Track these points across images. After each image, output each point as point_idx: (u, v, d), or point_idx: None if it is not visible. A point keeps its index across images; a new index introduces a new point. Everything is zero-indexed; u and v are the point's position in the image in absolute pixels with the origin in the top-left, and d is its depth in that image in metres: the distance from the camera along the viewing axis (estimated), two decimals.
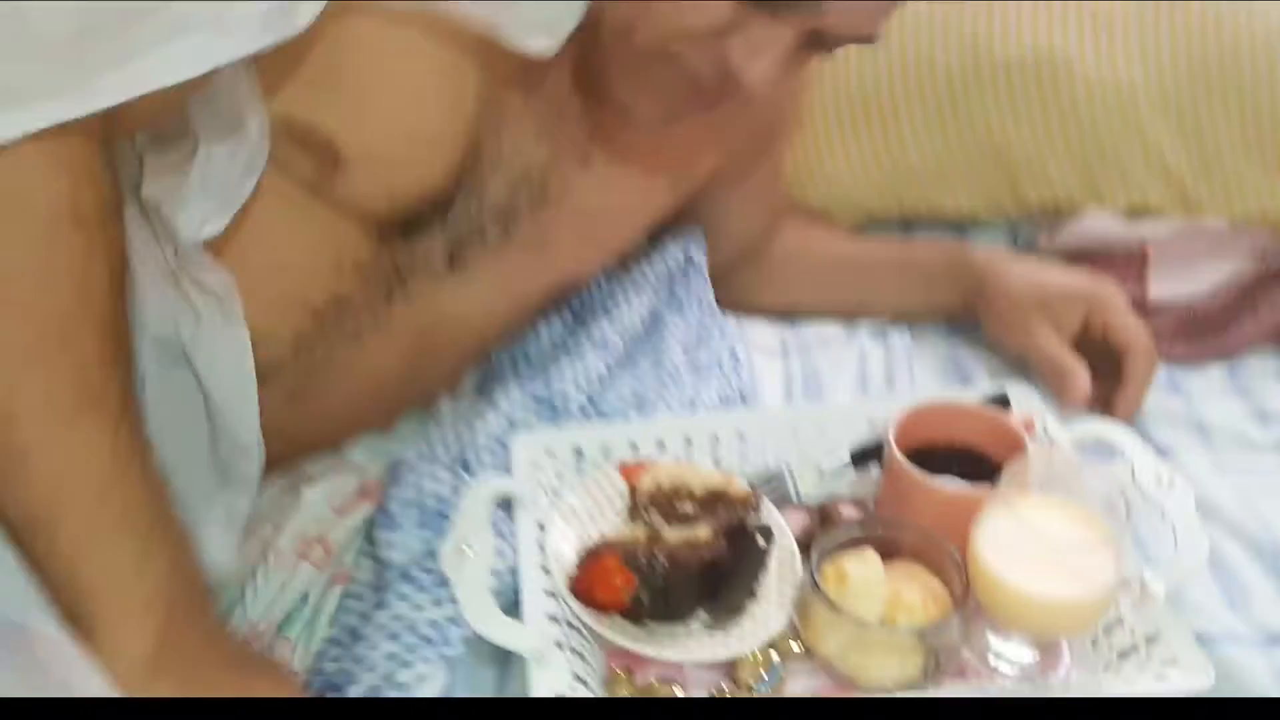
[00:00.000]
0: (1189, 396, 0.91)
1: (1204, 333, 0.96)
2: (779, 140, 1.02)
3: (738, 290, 1.01)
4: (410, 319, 0.82)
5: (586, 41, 0.73)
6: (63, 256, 0.58)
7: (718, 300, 0.97)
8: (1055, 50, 1.02)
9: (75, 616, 0.57)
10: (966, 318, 0.97)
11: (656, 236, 0.97)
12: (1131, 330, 0.88)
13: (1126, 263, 1.00)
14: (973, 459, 0.77)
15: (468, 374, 0.91)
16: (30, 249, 0.57)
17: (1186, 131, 1.02)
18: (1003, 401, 0.83)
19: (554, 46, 0.70)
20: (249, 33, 0.58)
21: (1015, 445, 0.73)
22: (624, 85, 0.75)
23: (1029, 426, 0.79)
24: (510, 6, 0.68)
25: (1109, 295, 0.90)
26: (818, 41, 0.72)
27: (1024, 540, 0.66)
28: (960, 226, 1.09)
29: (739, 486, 0.73)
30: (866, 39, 0.74)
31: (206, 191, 0.68)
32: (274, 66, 0.67)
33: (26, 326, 0.57)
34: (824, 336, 0.99)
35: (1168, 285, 0.99)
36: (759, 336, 0.98)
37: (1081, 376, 0.87)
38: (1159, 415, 0.89)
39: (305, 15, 0.60)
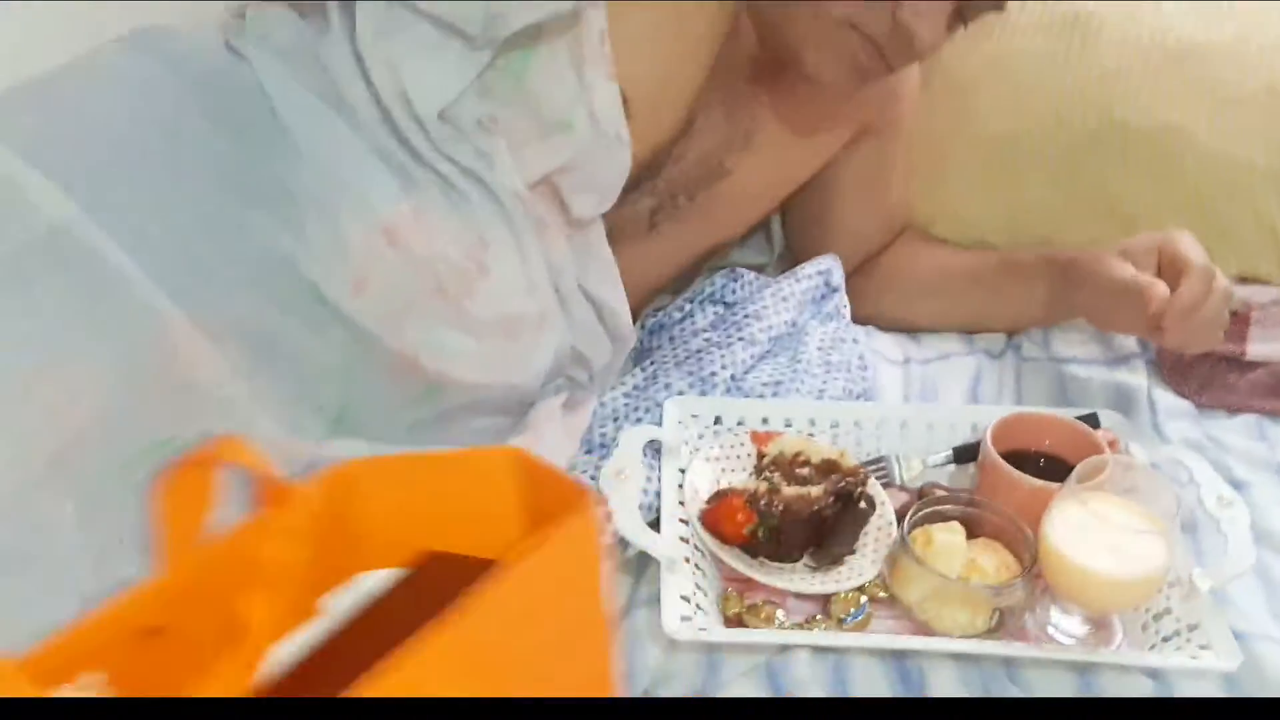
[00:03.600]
0: (1273, 444, 1.00)
1: None
2: (891, 145, 1.16)
3: (868, 301, 1.14)
4: None
5: (774, 26, 0.92)
6: None
7: (852, 315, 1.11)
8: (1178, 121, 1.13)
9: None
10: (1069, 312, 1.06)
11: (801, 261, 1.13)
12: (1192, 256, 0.94)
13: (1230, 322, 1.09)
14: (1058, 464, 0.89)
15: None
16: None
17: None
18: (1093, 421, 0.95)
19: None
20: None
21: (1094, 454, 0.85)
22: (816, 56, 0.93)
23: (1113, 443, 0.91)
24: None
25: (1173, 233, 0.97)
26: (963, 13, 0.91)
27: (1087, 527, 0.78)
28: None
29: (850, 460, 0.87)
30: (998, 6, 0.93)
31: None
32: None
33: None
34: (943, 350, 1.11)
35: (1267, 346, 1.08)
36: (885, 347, 1.11)
37: (1159, 287, 0.92)
38: (1242, 455, 0.98)
39: None
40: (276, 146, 0.79)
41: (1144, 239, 0.99)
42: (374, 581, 0.50)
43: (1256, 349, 1.08)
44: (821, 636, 0.78)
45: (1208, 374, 1.06)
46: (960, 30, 0.94)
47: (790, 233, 1.25)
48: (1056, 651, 0.79)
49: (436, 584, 0.48)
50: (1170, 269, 0.95)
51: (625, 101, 0.88)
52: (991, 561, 0.82)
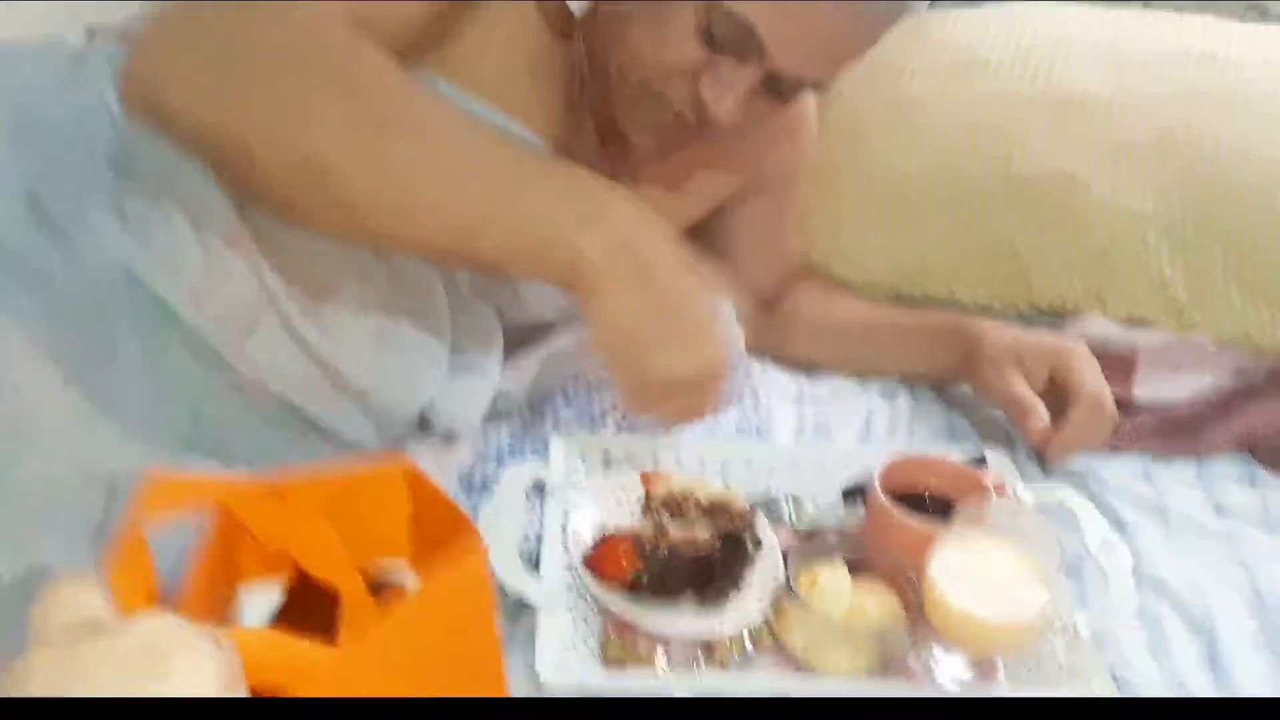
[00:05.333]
0: (1157, 485, 1.02)
1: (1179, 433, 1.07)
2: (785, 193, 1.16)
3: (761, 342, 1.14)
4: None
5: (599, 89, 0.89)
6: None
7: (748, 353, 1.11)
8: (1073, 172, 1.15)
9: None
10: (959, 378, 1.09)
11: None
12: (1083, 383, 0.98)
13: (1118, 364, 1.11)
14: (945, 505, 0.88)
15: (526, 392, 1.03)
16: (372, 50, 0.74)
17: (1187, 255, 1.13)
18: (981, 461, 0.95)
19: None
20: None
21: (979, 495, 0.85)
22: (624, 118, 0.92)
23: (999, 486, 0.91)
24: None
25: (1071, 352, 1.00)
26: (779, 84, 0.87)
27: (970, 569, 0.77)
28: (975, 317, 1.21)
29: (739, 502, 0.86)
30: (816, 84, 0.90)
31: None
32: None
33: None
34: (837, 390, 1.11)
35: (1152, 388, 1.10)
36: (780, 383, 1.11)
37: (1040, 412, 0.98)
38: (1127, 496, 0.99)
39: None
40: (116, 152, 0.76)
41: (1042, 348, 1.02)
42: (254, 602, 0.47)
43: (1142, 391, 1.10)
44: (702, 682, 0.76)
45: None
46: (779, 104, 0.91)
47: None
48: (936, 693, 0.78)
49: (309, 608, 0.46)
50: (1061, 387, 1.00)
51: None
52: (875, 603, 0.81)
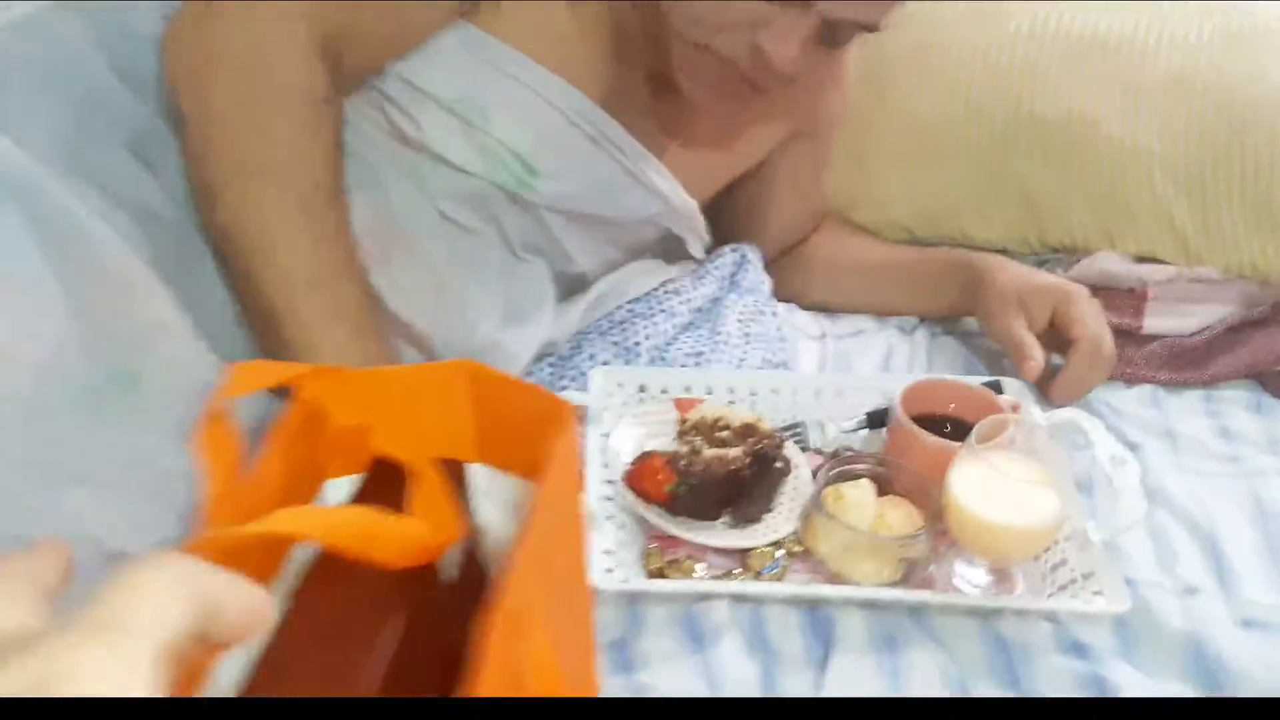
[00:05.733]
0: (1165, 411, 1.06)
1: (1188, 363, 1.11)
2: (825, 141, 1.21)
3: (785, 283, 1.19)
4: None
5: (658, 44, 0.93)
6: (320, 132, 0.79)
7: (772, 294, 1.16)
8: (1085, 113, 1.19)
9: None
10: (968, 313, 1.13)
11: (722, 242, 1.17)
12: (1084, 324, 1.02)
13: (1128, 298, 1.16)
14: (963, 427, 0.93)
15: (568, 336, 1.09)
16: (292, 127, 0.78)
17: (1193, 193, 1.17)
18: (996, 387, 1.00)
19: None
20: None
21: (996, 415, 0.90)
22: (684, 75, 0.95)
23: (1015, 408, 0.96)
24: None
25: (1072, 292, 1.04)
26: (834, 31, 0.91)
27: (988, 482, 0.82)
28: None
29: (767, 425, 0.91)
30: (871, 27, 0.93)
31: None
32: None
33: (286, 192, 0.78)
34: (857, 327, 1.16)
35: (1162, 321, 1.14)
36: (803, 323, 1.16)
37: (1036, 355, 1.02)
38: (1136, 421, 1.04)
39: None
40: None
41: (1044, 289, 1.05)
42: (336, 493, 0.52)
43: (1152, 323, 1.15)
44: (739, 586, 0.82)
45: None
46: (833, 51, 0.95)
47: (716, 223, 1.28)
48: (959, 598, 0.83)
49: (388, 490, 0.51)
50: (1062, 329, 1.03)
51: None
52: (898, 516, 0.86)
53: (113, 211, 0.75)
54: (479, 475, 0.55)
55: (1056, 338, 1.04)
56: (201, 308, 0.76)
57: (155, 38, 0.87)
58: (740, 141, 1.12)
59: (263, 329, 0.82)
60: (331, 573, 0.47)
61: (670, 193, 1.06)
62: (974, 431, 0.84)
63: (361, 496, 0.53)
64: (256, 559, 0.45)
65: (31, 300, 0.65)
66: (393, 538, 0.44)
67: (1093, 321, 1.03)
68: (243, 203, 0.81)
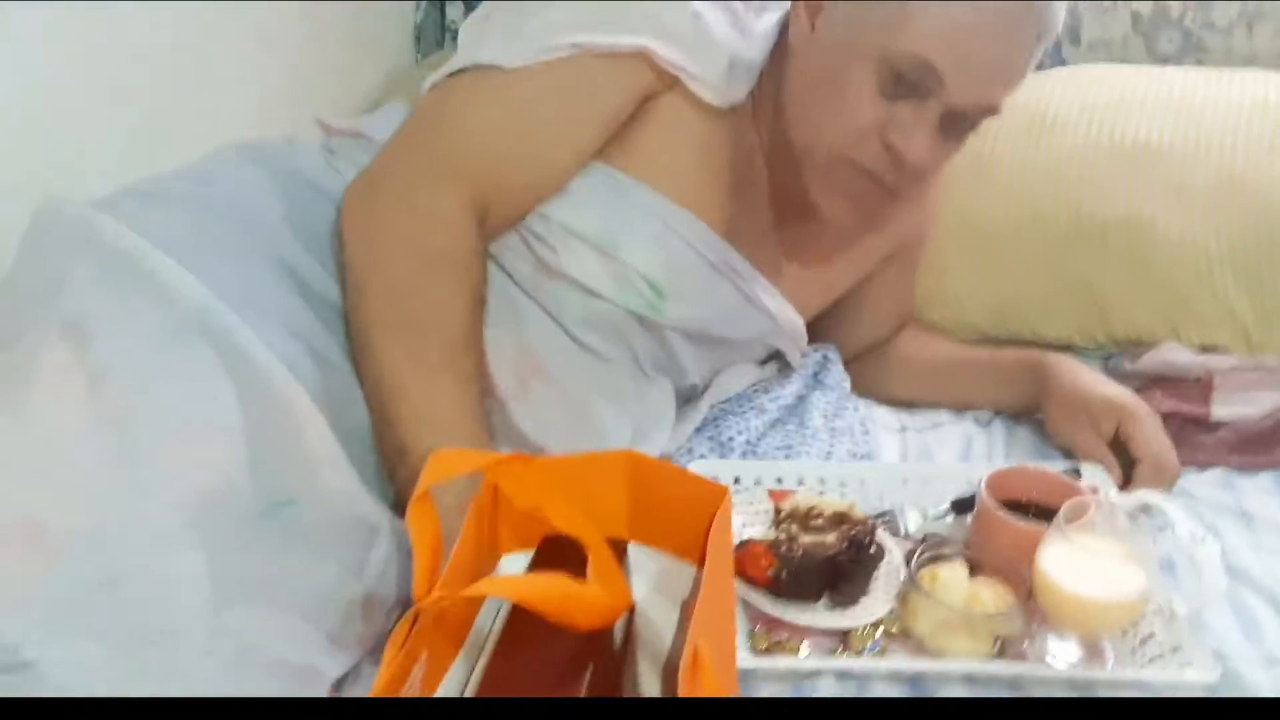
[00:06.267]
0: (1238, 493, 1.11)
1: (1256, 447, 1.16)
2: (919, 251, 1.28)
3: (866, 380, 1.25)
4: None
5: (784, 169, 1.01)
6: (465, 285, 0.89)
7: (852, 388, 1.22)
8: (1143, 212, 1.26)
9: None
10: (1037, 409, 1.18)
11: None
12: (1147, 444, 1.06)
13: (1195, 387, 1.21)
14: (1046, 511, 0.98)
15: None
16: (440, 286, 0.88)
17: (1251, 286, 1.24)
18: (1075, 474, 1.05)
19: (722, 104, 1.01)
20: None
21: (1079, 498, 0.95)
22: (819, 192, 1.02)
23: (1095, 491, 1.01)
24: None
25: (1132, 414, 1.08)
26: (955, 121, 0.98)
27: (1076, 559, 0.87)
28: (1058, 351, 1.31)
29: (859, 512, 0.97)
30: (990, 111, 1.00)
31: None
32: None
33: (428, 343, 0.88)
34: (936, 420, 1.22)
35: (1229, 407, 1.19)
36: (883, 417, 1.22)
37: (1113, 468, 1.06)
38: (1210, 502, 1.09)
39: None
40: None
41: (1104, 405, 1.09)
42: (511, 566, 0.58)
43: (1219, 411, 1.20)
44: (844, 662, 0.87)
45: (1177, 434, 1.16)
46: (968, 138, 1.02)
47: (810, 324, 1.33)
48: (1054, 672, 0.87)
49: (556, 565, 0.57)
50: (1125, 443, 1.08)
51: None
52: (990, 595, 0.91)
53: (284, 344, 0.83)
54: (634, 553, 0.62)
55: (1119, 450, 1.09)
56: (354, 443, 0.83)
57: (320, 182, 0.98)
58: (852, 259, 1.19)
59: (393, 466, 0.88)
60: (521, 637, 0.53)
61: (780, 313, 1.14)
62: (1061, 512, 0.89)
63: (533, 570, 0.60)
64: (456, 621, 0.51)
65: (210, 432, 0.73)
66: (583, 602, 0.51)
67: (1154, 440, 1.07)
68: (385, 352, 0.89)
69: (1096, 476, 1.05)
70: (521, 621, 0.54)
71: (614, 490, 0.60)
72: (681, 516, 0.57)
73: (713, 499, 0.55)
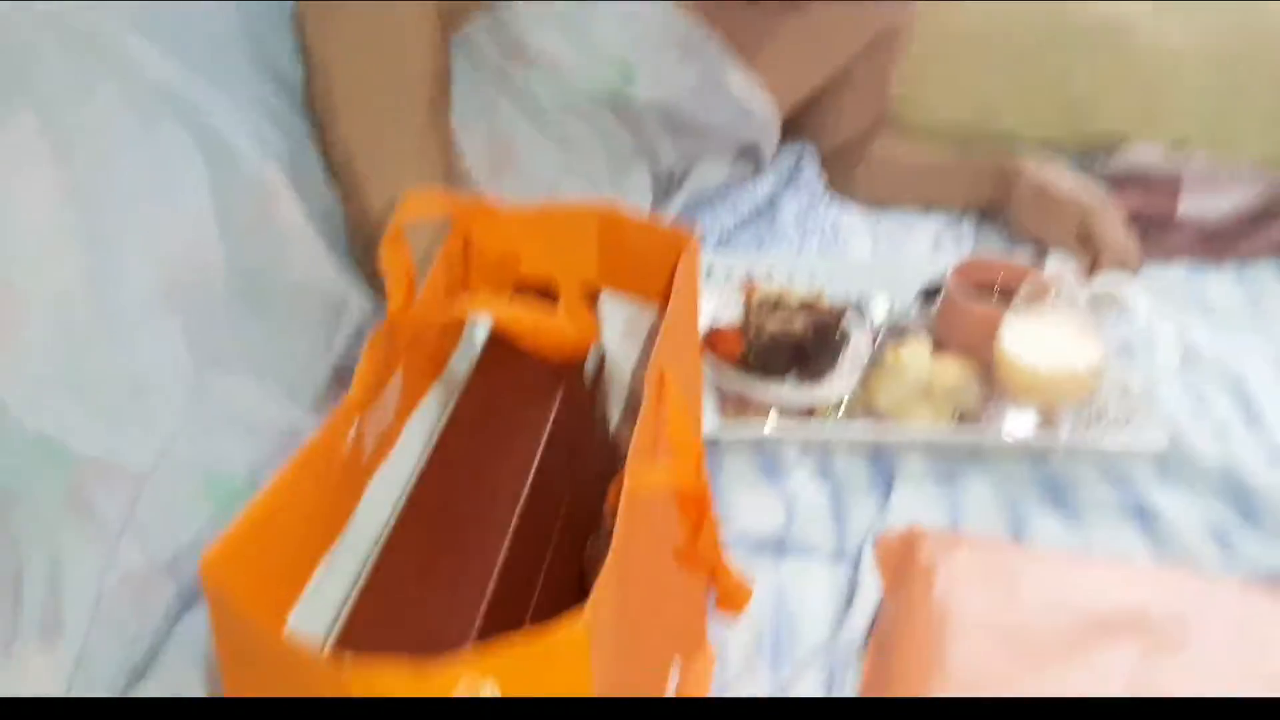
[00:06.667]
0: (1201, 284, 1.14)
1: (1221, 241, 1.19)
2: (897, 47, 1.27)
3: (840, 181, 1.27)
4: None
5: None
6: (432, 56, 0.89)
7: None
8: (1121, 17, 1.26)
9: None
10: (1004, 209, 1.21)
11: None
12: (1111, 233, 1.09)
13: (1163, 186, 1.23)
14: (1010, 298, 1.01)
15: None
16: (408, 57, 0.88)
17: (1223, 87, 1.24)
18: (1041, 261, 1.07)
19: None
20: None
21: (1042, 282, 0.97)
22: None
23: (1058, 276, 1.03)
24: None
25: (1099, 205, 1.11)
26: None
27: (1034, 335, 0.90)
28: (1031, 152, 1.32)
29: (827, 299, 0.99)
30: None
31: None
32: None
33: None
34: (905, 221, 1.24)
35: (1195, 206, 1.22)
36: (855, 221, 1.23)
37: (1079, 257, 1.09)
38: (1172, 293, 1.12)
39: None
40: None
41: (1068, 204, 1.12)
42: (481, 330, 0.60)
43: (1187, 209, 1.22)
44: (810, 429, 0.90)
45: (1144, 231, 1.19)
46: None
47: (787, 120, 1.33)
48: (1012, 438, 0.91)
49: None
50: (1087, 240, 1.10)
51: None
52: (952, 371, 0.94)
53: (255, 121, 0.82)
54: (605, 301, 0.64)
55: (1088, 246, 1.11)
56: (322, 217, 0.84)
57: None
58: (828, 46, 1.19)
59: (359, 237, 0.88)
60: (499, 361, 0.56)
61: (752, 97, 1.13)
62: (1021, 289, 0.92)
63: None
64: (431, 348, 0.53)
65: (180, 199, 0.73)
66: (553, 332, 0.53)
67: (1117, 230, 1.09)
68: (350, 136, 0.88)
69: (1062, 265, 1.07)
70: (495, 357, 0.56)
71: (585, 240, 0.61)
72: (651, 264, 0.59)
73: (680, 244, 0.57)
